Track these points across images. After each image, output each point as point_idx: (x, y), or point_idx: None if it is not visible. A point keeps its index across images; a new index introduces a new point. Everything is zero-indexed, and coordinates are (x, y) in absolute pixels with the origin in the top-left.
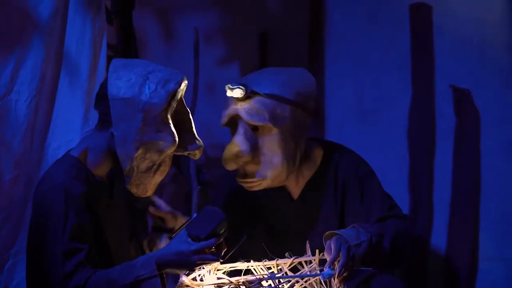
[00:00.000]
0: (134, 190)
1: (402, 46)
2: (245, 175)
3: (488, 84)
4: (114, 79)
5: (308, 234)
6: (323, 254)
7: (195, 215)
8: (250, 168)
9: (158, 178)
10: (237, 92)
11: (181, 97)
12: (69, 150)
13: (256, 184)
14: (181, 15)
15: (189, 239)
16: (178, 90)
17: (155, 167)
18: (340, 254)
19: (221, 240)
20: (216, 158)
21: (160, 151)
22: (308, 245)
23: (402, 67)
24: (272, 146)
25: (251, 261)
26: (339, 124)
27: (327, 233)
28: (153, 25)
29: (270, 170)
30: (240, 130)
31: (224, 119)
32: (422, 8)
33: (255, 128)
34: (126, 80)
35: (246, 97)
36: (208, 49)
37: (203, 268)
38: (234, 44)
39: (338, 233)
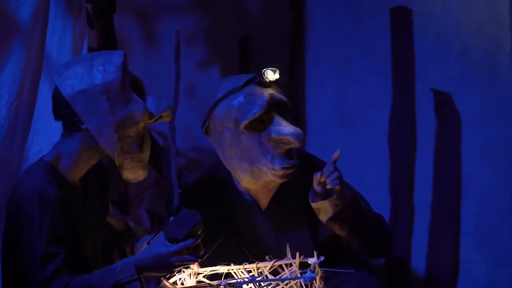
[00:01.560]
0: (130, 176)
1: (382, 49)
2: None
3: (469, 87)
4: (62, 81)
5: (279, 243)
6: (303, 257)
7: (172, 218)
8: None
9: (146, 154)
10: (277, 74)
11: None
12: (43, 156)
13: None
14: (162, 18)
15: (167, 242)
16: (125, 60)
17: (139, 142)
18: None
19: (199, 241)
20: (197, 161)
21: (137, 122)
22: (288, 248)
23: (382, 70)
24: None
25: (232, 264)
26: (320, 127)
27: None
28: (134, 28)
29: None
30: (278, 116)
31: (265, 108)
32: (403, 11)
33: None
34: (74, 76)
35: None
36: (189, 52)
37: (184, 271)
38: (215, 47)
39: None
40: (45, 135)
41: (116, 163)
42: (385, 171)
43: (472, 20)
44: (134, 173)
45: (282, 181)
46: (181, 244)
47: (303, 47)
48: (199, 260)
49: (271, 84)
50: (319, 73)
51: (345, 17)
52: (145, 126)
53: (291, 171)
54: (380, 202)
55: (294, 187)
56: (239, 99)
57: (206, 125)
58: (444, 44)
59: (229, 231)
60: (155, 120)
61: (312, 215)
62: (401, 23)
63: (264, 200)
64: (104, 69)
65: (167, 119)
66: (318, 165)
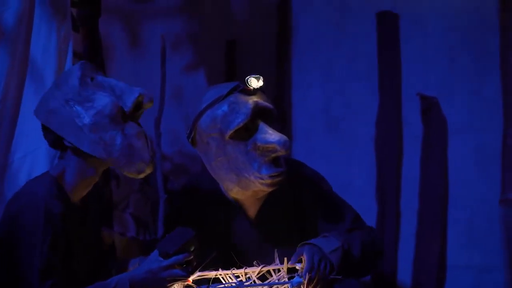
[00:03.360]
0: (133, 170)
1: (369, 54)
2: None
3: (456, 92)
4: (36, 112)
5: (267, 251)
6: (291, 263)
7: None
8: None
9: (143, 143)
10: (261, 81)
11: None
12: (48, 170)
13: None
14: (148, 22)
15: (160, 258)
16: (82, 65)
17: (122, 133)
18: (310, 261)
19: (191, 256)
20: (183, 166)
21: (111, 116)
22: (276, 254)
23: (369, 75)
24: None
25: (219, 269)
26: (306, 132)
27: (300, 244)
28: (119, 32)
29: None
30: (264, 124)
31: (249, 116)
32: (389, 16)
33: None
34: (43, 102)
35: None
36: (175, 56)
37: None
38: (201, 52)
39: (310, 243)
40: (30, 140)
41: (114, 165)
42: (371, 176)
43: (460, 24)
44: (136, 168)
45: (270, 189)
46: (172, 259)
47: (289, 52)
48: (191, 275)
49: (255, 91)
50: (305, 78)
51: (331, 22)
52: (135, 118)
53: (279, 179)
54: (366, 208)
55: (283, 195)
56: (223, 108)
57: (192, 135)
58: (430, 49)
59: (217, 239)
60: (137, 110)
61: (301, 222)
62: (388, 27)
63: (253, 209)
64: (62, 82)
65: (149, 106)
66: (306, 172)
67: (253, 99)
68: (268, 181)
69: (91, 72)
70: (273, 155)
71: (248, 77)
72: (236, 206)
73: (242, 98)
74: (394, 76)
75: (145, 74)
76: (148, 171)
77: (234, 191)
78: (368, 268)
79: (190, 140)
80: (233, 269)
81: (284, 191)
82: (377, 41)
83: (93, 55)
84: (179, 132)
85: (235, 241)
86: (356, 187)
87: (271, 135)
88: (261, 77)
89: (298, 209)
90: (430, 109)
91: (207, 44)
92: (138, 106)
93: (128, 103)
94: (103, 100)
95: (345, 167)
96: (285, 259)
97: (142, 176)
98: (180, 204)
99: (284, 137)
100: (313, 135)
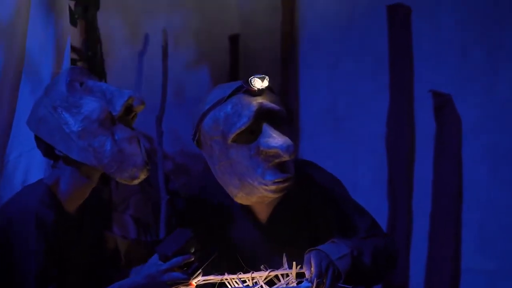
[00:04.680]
0: (126, 176)
1: (379, 49)
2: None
3: (470, 89)
4: (28, 122)
5: (276, 257)
6: (300, 267)
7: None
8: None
9: (135, 148)
10: (266, 81)
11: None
12: (42, 178)
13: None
14: (149, 16)
15: (160, 262)
16: (70, 71)
17: (111, 138)
18: (318, 266)
19: (192, 258)
20: (185, 166)
21: (100, 121)
22: (285, 258)
23: (379, 71)
24: None
25: (225, 273)
26: (314, 131)
27: (308, 250)
28: (119, 26)
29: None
30: (268, 127)
31: (252, 119)
32: (400, 9)
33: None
34: (33, 111)
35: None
36: (177, 52)
37: None
38: (204, 47)
39: (318, 249)
40: (25, 140)
41: (107, 172)
42: (382, 176)
43: (473, 19)
44: (128, 174)
45: (275, 196)
46: (171, 261)
47: (295, 47)
48: (192, 277)
49: (261, 91)
50: (312, 74)
51: (339, 15)
52: (128, 122)
53: (284, 185)
54: (377, 209)
55: (294, 199)
56: (226, 110)
57: (196, 137)
58: (443, 44)
59: (224, 243)
60: (129, 114)
61: (312, 227)
62: (399, 21)
63: (263, 213)
64: (50, 89)
65: (140, 109)
66: (317, 175)
67: (257, 100)
68: (273, 187)
69: (81, 77)
70: (277, 160)
71: (251, 77)
72: (245, 210)
73: (246, 99)
74: (405, 72)
75: (146, 70)
76: (143, 176)
77: (239, 197)
78: (380, 276)
79: (195, 142)
80: (240, 273)
81: (295, 195)
82: (388, 36)
83: (91, 51)
84: (181, 131)
85: (243, 245)
86: (366, 188)
87: (275, 139)
88: (267, 77)
89: (309, 214)
90: (443, 106)
91: (210, 39)
92: (128, 109)
93: (117, 107)
94: (90, 105)
95: (354, 167)
96: (294, 263)
97: (136, 182)
98: (185, 208)
99: (288, 142)
100: (321, 133)
